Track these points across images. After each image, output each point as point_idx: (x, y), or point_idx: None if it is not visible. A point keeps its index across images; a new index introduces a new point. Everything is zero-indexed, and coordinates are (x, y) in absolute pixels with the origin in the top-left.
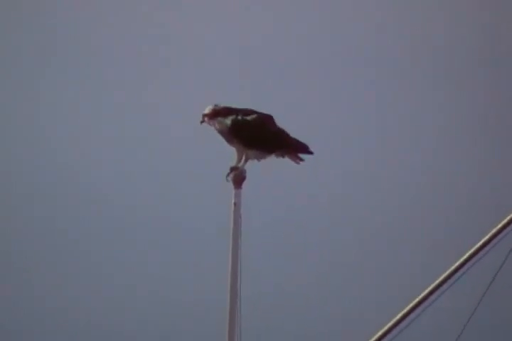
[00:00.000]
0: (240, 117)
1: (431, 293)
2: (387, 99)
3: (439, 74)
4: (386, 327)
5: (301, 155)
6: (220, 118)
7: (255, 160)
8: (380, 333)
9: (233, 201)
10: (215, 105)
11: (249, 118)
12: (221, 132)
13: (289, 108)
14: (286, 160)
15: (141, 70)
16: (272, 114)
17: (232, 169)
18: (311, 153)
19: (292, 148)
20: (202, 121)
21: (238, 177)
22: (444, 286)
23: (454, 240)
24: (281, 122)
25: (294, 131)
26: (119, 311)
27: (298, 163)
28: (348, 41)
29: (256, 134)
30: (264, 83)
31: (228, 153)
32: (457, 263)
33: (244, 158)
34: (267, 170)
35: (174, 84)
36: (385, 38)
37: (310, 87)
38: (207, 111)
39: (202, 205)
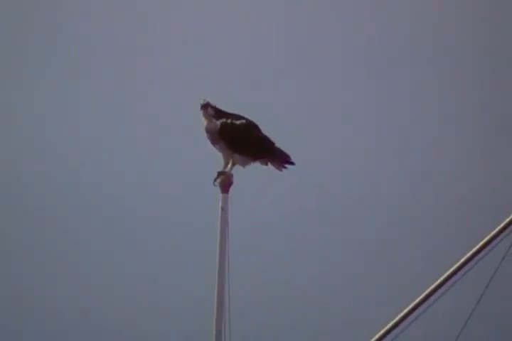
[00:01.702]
0: (229, 121)
1: (430, 294)
2: (386, 99)
3: (439, 75)
4: (386, 328)
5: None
6: (210, 118)
7: (241, 167)
8: (379, 334)
9: (220, 205)
10: (210, 104)
11: (237, 122)
12: (209, 131)
13: (285, 109)
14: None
15: (141, 70)
16: (267, 114)
17: (220, 174)
18: (292, 163)
19: (275, 156)
20: (202, 110)
21: (225, 182)
22: (443, 288)
23: (454, 241)
24: (278, 123)
25: (287, 135)
26: (109, 311)
27: (280, 170)
28: (348, 40)
29: (242, 139)
30: (260, 84)
31: (215, 158)
32: (456, 265)
33: (231, 163)
34: (253, 175)
35: (164, 87)
36: (385, 37)
37: (306, 86)
38: (204, 102)
39: (189, 210)
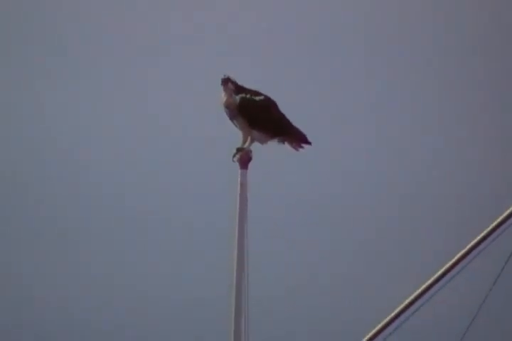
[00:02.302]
0: (248, 96)
1: (428, 288)
2: (388, 97)
3: (439, 75)
4: (387, 319)
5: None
6: (230, 92)
7: (259, 144)
8: (379, 326)
9: (239, 181)
10: (231, 78)
11: (257, 98)
12: (228, 106)
13: (294, 102)
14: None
15: (141, 70)
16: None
17: (238, 150)
18: (309, 143)
19: (292, 135)
20: (223, 84)
21: (244, 158)
22: (442, 281)
23: (457, 233)
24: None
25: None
26: (130, 311)
27: (297, 150)
28: (349, 38)
29: (260, 114)
30: (264, 74)
31: (234, 134)
32: (469, 246)
33: (249, 139)
34: (273, 153)
35: (173, 74)
36: (385, 36)
37: (313, 81)
38: (225, 77)
39: (209, 186)
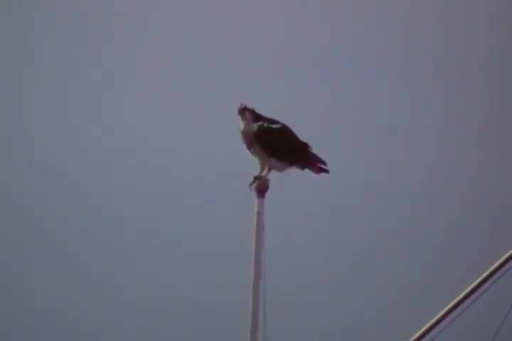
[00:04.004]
0: (265, 124)
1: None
2: (395, 105)
3: (440, 75)
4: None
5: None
6: (247, 121)
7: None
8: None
9: (256, 210)
10: (248, 107)
11: (274, 126)
12: (245, 134)
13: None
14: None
15: (141, 70)
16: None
17: (256, 178)
18: (326, 171)
19: (310, 162)
20: (240, 114)
21: (261, 187)
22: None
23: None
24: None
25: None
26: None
27: (317, 174)
28: (350, 42)
29: (278, 142)
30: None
31: (251, 163)
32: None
33: (267, 167)
34: (290, 180)
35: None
36: (386, 38)
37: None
38: (242, 106)
39: (225, 214)
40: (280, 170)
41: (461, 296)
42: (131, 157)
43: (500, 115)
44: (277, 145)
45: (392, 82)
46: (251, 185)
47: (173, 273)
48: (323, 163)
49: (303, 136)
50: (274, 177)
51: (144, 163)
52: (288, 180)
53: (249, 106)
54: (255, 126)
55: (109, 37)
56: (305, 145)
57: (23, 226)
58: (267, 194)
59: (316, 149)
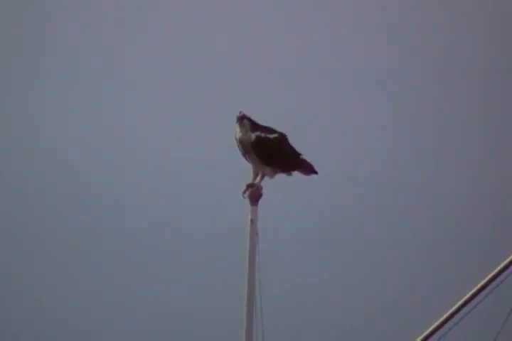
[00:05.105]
0: (263, 134)
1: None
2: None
3: (441, 76)
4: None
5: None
6: (246, 129)
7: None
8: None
9: (250, 217)
10: (246, 115)
11: (271, 136)
12: (243, 142)
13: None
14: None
15: (141, 70)
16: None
17: (249, 186)
18: (316, 173)
19: (301, 168)
20: (238, 122)
21: (254, 194)
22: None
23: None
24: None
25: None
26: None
27: (307, 175)
28: (350, 46)
29: (275, 152)
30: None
31: (245, 170)
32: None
33: (260, 175)
34: (282, 187)
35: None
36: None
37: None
38: (240, 114)
39: (219, 222)
40: (272, 176)
41: (466, 297)
42: (132, 158)
43: (501, 115)
44: (273, 155)
45: (393, 82)
46: (244, 192)
47: (167, 280)
48: (312, 167)
49: (297, 142)
50: (267, 184)
51: (138, 172)
52: (281, 186)
53: (248, 114)
54: (253, 135)
55: (109, 37)
56: (298, 155)
57: (23, 226)
58: (260, 201)
59: (311, 155)
